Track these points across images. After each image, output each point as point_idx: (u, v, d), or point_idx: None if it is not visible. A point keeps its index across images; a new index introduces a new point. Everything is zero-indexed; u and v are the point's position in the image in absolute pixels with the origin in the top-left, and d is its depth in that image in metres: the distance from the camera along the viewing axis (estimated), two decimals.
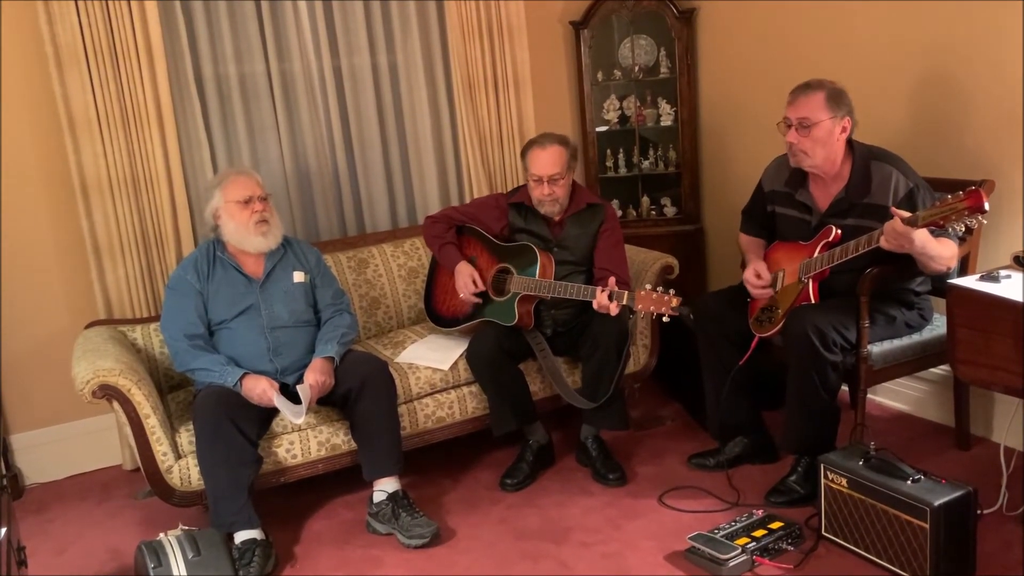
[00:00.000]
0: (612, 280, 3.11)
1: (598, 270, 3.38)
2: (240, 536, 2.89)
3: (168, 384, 3.45)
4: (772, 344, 3.08)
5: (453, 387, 3.39)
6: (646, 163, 4.54)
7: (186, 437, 3.01)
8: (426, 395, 3.35)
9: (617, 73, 4.46)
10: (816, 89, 2.92)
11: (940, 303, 3.02)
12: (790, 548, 2.73)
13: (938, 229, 2.65)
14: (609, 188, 4.51)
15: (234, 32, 3.72)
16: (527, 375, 3.39)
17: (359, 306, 3.74)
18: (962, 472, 2.95)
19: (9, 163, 3.47)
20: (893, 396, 3.65)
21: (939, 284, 3.06)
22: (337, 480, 3.28)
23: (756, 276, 3.09)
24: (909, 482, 2.51)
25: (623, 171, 4.52)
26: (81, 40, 3.33)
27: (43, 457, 3.67)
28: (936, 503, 2.41)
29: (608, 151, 4.52)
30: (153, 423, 2.94)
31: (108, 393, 2.87)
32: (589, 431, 3.37)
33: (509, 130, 4.14)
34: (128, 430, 2.96)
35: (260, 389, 2.97)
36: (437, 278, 3.65)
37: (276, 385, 3.01)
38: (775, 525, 2.78)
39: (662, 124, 4.46)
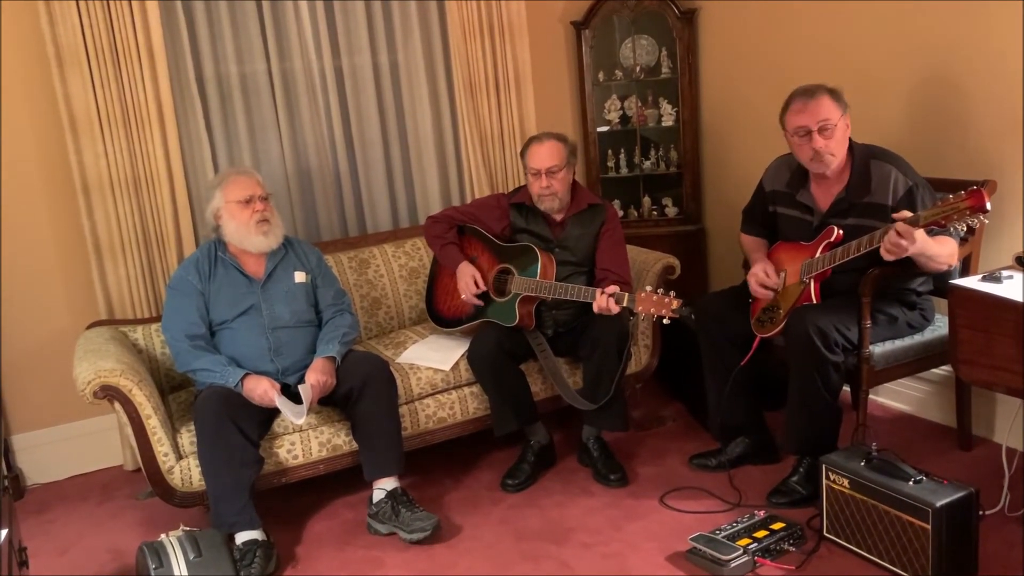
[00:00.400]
0: (613, 286, 3.10)
1: (599, 271, 3.38)
2: (241, 537, 2.88)
3: (169, 384, 3.45)
4: (774, 344, 3.08)
5: (454, 387, 3.39)
6: (647, 163, 4.53)
7: (187, 438, 3.01)
8: (427, 395, 3.34)
9: (618, 73, 4.46)
10: (820, 92, 2.91)
11: (942, 303, 3.02)
12: (792, 549, 2.73)
13: (937, 228, 2.65)
14: (610, 188, 4.51)
15: (235, 32, 3.72)
16: (528, 375, 3.39)
17: (360, 306, 3.74)
18: (964, 473, 2.95)
19: (10, 163, 3.47)
20: (895, 397, 3.64)
21: (941, 284, 3.06)
22: (338, 481, 3.28)
23: (765, 275, 3.08)
24: (911, 483, 2.51)
25: (624, 171, 4.52)
26: (82, 40, 3.33)
27: (44, 458, 3.67)
28: (938, 504, 2.41)
29: (609, 151, 4.52)
30: (154, 424, 2.94)
31: (109, 394, 2.87)
32: (590, 432, 3.37)
33: (510, 130, 4.14)
34: (129, 431, 2.96)
35: (261, 390, 2.96)
36: (438, 278, 3.65)
37: (277, 386, 3.01)
38: (777, 526, 2.78)
39: (663, 124, 4.46)
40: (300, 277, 3.25)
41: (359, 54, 3.94)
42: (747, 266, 3.23)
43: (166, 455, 2.97)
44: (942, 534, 2.41)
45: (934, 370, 3.28)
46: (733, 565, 2.60)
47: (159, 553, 2.62)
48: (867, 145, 3.01)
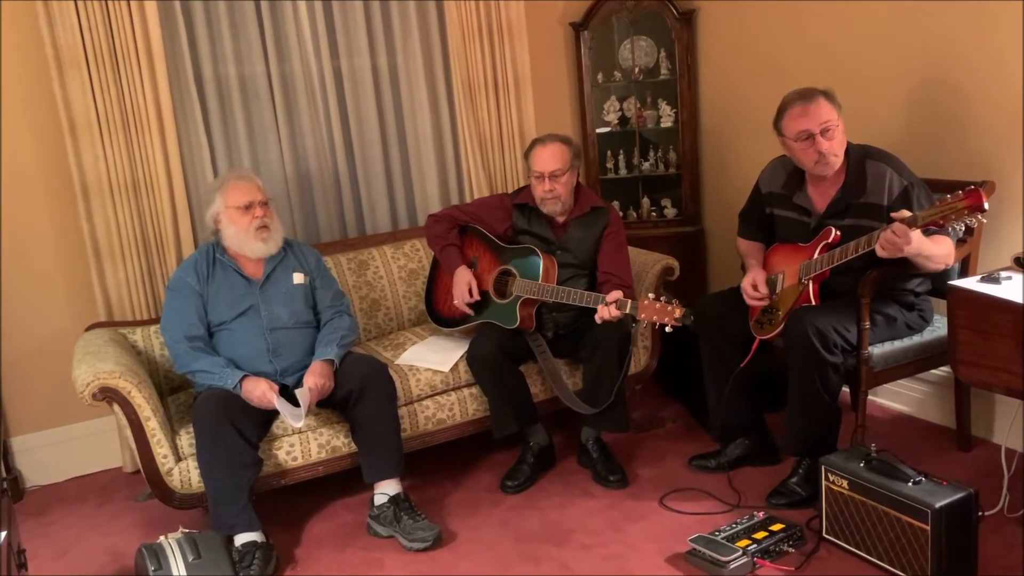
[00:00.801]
0: (616, 292, 3.10)
1: (601, 274, 3.37)
2: (240, 539, 2.88)
3: (168, 386, 3.45)
4: (773, 346, 3.08)
5: (453, 389, 3.39)
6: (646, 164, 4.54)
7: (186, 439, 3.01)
8: (426, 397, 3.34)
9: (617, 74, 4.46)
10: (817, 94, 2.91)
11: (941, 304, 3.02)
12: (791, 550, 2.73)
13: (935, 228, 2.65)
14: (609, 189, 4.51)
15: (234, 33, 3.72)
16: (528, 377, 3.39)
17: (359, 308, 3.74)
18: (963, 474, 2.95)
19: (10, 166, 3.47)
20: (894, 398, 3.64)
21: (939, 285, 3.06)
22: (337, 482, 3.28)
23: (752, 287, 3.08)
24: (910, 484, 2.51)
25: (623, 172, 4.52)
26: (81, 42, 3.33)
27: (43, 459, 3.67)
28: (937, 505, 2.41)
29: (608, 152, 4.52)
30: (153, 425, 2.94)
31: (108, 395, 2.87)
32: (590, 433, 3.37)
33: (509, 132, 4.14)
34: (128, 432, 2.96)
35: (260, 391, 2.96)
36: (439, 278, 3.64)
37: (276, 387, 3.01)
38: (776, 527, 2.78)
39: (662, 125, 4.46)
40: (299, 278, 3.25)
41: (358, 56, 3.94)
42: (746, 268, 3.23)
43: (165, 457, 2.97)
44: (941, 535, 2.41)
45: (933, 371, 3.28)
46: (732, 566, 2.60)
47: (158, 555, 2.62)
48: (862, 145, 3.02)
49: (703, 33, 4.32)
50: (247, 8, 3.72)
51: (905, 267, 2.83)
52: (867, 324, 2.90)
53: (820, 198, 3.04)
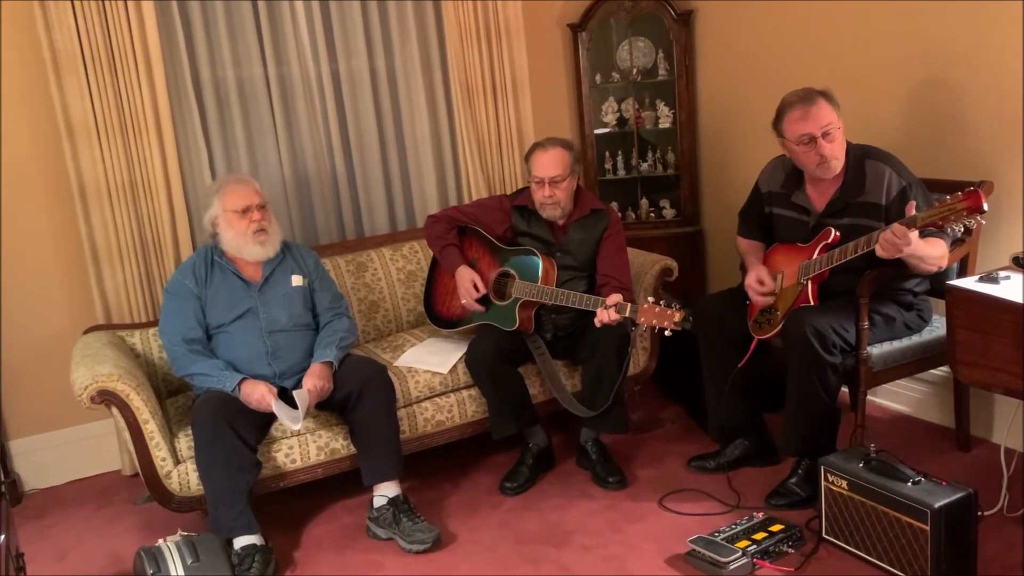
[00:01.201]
0: (615, 295, 3.10)
1: (600, 276, 3.37)
2: (239, 541, 2.88)
3: (167, 389, 3.45)
4: (772, 346, 3.08)
5: (452, 391, 3.39)
6: (645, 165, 4.54)
7: (185, 442, 3.00)
8: (425, 399, 3.34)
9: (615, 75, 4.46)
10: (816, 96, 2.91)
11: (940, 304, 3.02)
12: (791, 551, 2.73)
13: (934, 229, 2.65)
14: (608, 190, 4.51)
15: (231, 36, 3.71)
16: (527, 378, 3.39)
17: (358, 310, 3.74)
18: (962, 474, 2.94)
19: (8, 169, 3.47)
20: (893, 398, 3.64)
21: (938, 284, 3.06)
22: (336, 485, 3.28)
23: (759, 282, 3.08)
24: (909, 484, 2.51)
25: (622, 173, 4.53)
26: (79, 45, 3.33)
27: (42, 462, 3.66)
28: (937, 505, 2.41)
29: (607, 153, 4.52)
30: (152, 428, 2.94)
31: (107, 398, 2.87)
32: (589, 434, 3.36)
33: (508, 133, 4.14)
34: (127, 435, 2.95)
35: (258, 394, 2.96)
36: (438, 278, 3.64)
37: (275, 390, 3.01)
38: (776, 528, 2.78)
39: (660, 126, 4.46)
40: (297, 281, 3.25)
41: (356, 58, 3.94)
42: (745, 268, 3.23)
43: (164, 460, 2.97)
44: (941, 535, 2.41)
45: (932, 371, 3.28)
46: (732, 567, 2.60)
47: (157, 558, 2.62)
48: (861, 145, 3.01)
49: (701, 34, 4.32)
50: (245, 10, 3.71)
51: (901, 267, 2.83)
52: (866, 324, 2.90)
53: (819, 197, 3.04)
